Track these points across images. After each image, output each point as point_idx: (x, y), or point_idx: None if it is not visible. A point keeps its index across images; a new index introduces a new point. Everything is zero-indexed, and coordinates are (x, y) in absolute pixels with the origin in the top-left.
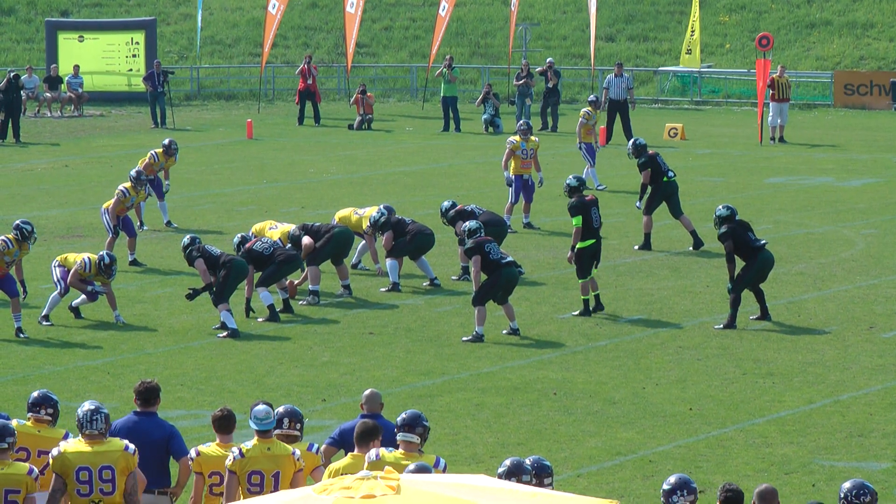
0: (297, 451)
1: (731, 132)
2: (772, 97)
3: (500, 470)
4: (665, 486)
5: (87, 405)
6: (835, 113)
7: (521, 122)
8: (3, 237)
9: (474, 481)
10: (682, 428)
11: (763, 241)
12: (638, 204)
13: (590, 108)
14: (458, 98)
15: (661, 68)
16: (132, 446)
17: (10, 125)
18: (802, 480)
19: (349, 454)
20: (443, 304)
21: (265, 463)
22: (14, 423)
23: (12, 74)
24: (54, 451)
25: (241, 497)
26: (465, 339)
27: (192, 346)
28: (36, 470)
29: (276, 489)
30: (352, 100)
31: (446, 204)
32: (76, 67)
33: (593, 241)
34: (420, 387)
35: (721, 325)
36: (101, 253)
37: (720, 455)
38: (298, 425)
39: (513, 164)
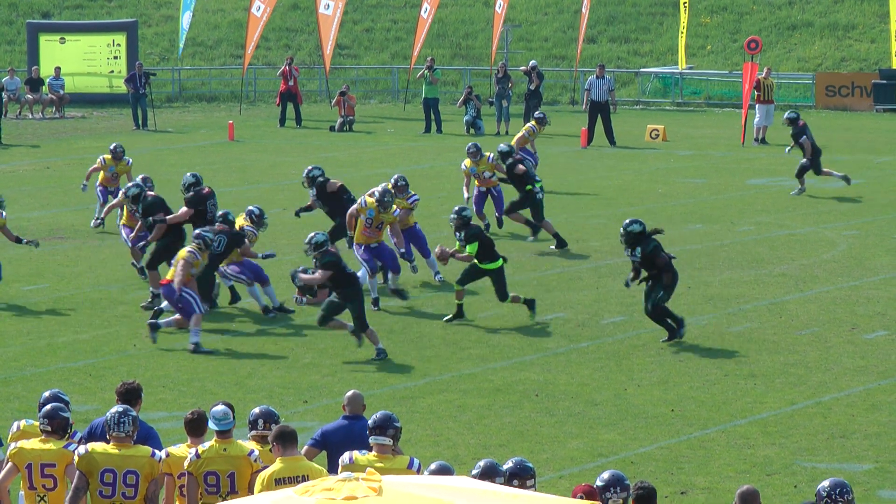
0: (256, 452)
1: (712, 133)
2: (758, 99)
3: (474, 472)
4: (598, 483)
5: (116, 408)
6: (816, 114)
7: (470, 145)
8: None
9: (456, 483)
10: (664, 429)
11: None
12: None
13: (534, 123)
14: (439, 99)
15: (642, 70)
16: (159, 453)
17: None
18: (784, 482)
19: (279, 458)
20: (424, 305)
21: (221, 464)
22: (22, 423)
23: None
24: (81, 450)
25: (201, 499)
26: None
27: (175, 347)
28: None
29: (232, 490)
30: (333, 101)
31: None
32: (57, 69)
33: (499, 263)
34: (402, 388)
35: (665, 339)
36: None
37: (702, 456)
38: (273, 426)
39: (476, 182)
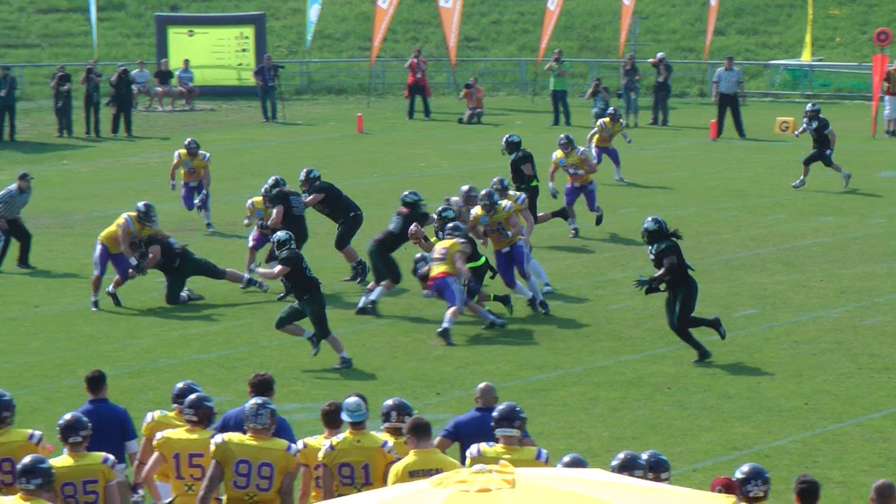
0: (390, 443)
1: (843, 126)
2: (887, 90)
3: (614, 463)
4: (738, 475)
5: (255, 399)
6: None
7: (561, 136)
8: (126, 215)
9: (589, 475)
10: (797, 423)
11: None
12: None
13: (606, 121)
14: (567, 92)
15: (770, 62)
16: (294, 447)
17: (121, 119)
18: None
19: (413, 450)
20: (555, 298)
21: (355, 455)
22: (157, 413)
23: (122, 69)
24: (217, 439)
25: (337, 490)
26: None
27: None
28: (112, 458)
29: (366, 481)
30: (461, 94)
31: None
32: (186, 62)
33: (481, 261)
34: (534, 381)
35: (695, 360)
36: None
37: (836, 450)
38: (406, 418)
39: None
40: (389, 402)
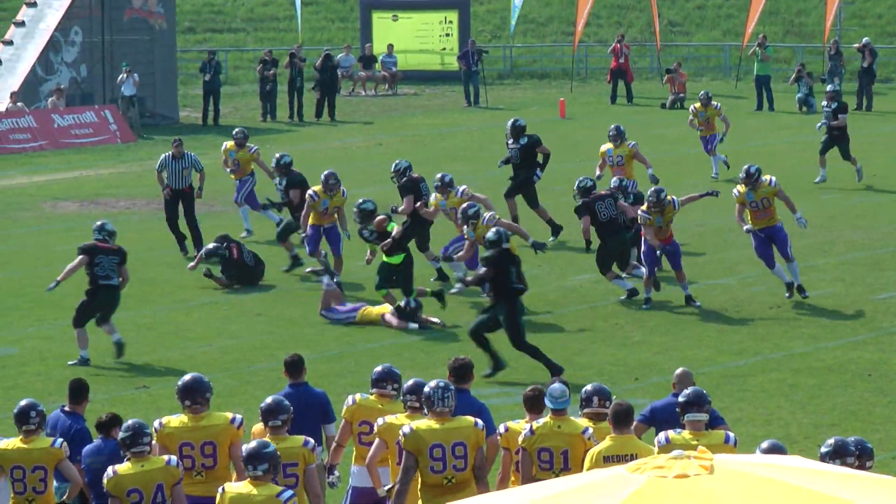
0: (590, 430)
1: None
2: None
3: (824, 450)
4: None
5: (435, 382)
6: None
7: (612, 127)
8: (311, 190)
9: (789, 462)
10: None
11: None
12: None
13: (697, 105)
14: (771, 77)
15: None
16: (480, 422)
17: (325, 104)
18: None
19: (609, 436)
20: (755, 283)
21: (555, 440)
22: (357, 396)
23: (326, 53)
24: (405, 429)
25: (535, 475)
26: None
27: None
28: (312, 441)
29: (565, 467)
30: (664, 79)
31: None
32: (390, 46)
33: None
34: (732, 367)
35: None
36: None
37: None
38: (607, 403)
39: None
40: (589, 387)
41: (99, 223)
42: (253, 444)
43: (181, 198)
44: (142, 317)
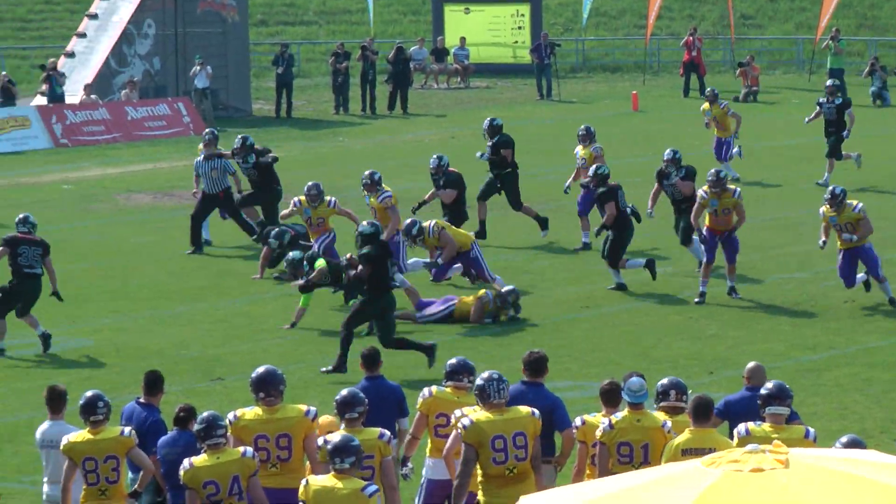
0: (669, 423)
1: None
2: None
3: None
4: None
5: (488, 374)
6: None
7: (581, 128)
8: (296, 198)
9: (864, 456)
10: None
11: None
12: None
13: (705, 106)
14: (844, 70)
15: None
16: (536, 411)
17: (397, 97)
18: None
19: (688, 429)
20: (829, 278)
21: (635, 434)
22: (434, 389)
23: (398, 46)
24: (465, 422)
25: (613, 468)
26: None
27: (579, 317)
28: (388, 434)
29: (645, 460)
30: (737, 72)
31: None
32: (462, 39)
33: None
34: (806, 361)
35: (328, 369)
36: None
37: None
38: (685, 398)
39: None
40: (666, 381)
41: (22, 216)
42: (337, 437)
43: (217, 203)
44: (216, 309)
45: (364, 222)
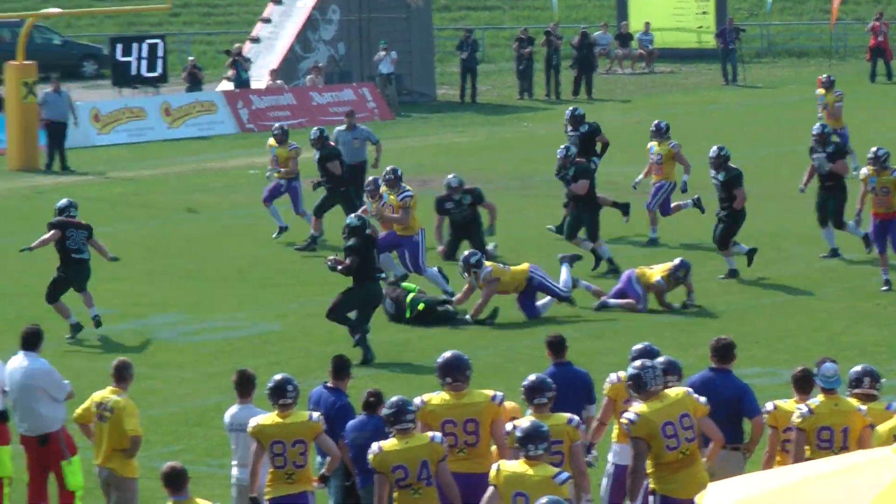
0: (864, 408)
1: None
2: None
3: None
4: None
5: (640, 363)
6: None
7: (653, 123)
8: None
9: None
10: None
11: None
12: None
13: (820, 91)
14: None
15: None
16: (689, 389)
17: (582, 82)
18: None
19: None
20: None
21: (835, 418)
22: (621, 374)
23: (583, 31)
24: (632, 417)
25: (809, 454)
26: None
27: (764, 303)
28: (576, 419)
29: (844, 445)
30: None
31: None
32: (647, 24)
33: None
34: None
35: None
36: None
37: None
38: (878, 385)
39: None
40: (859, 368)
41: (66, 201)
42: (526, 423)
43: (353, 174)
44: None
45: (352, 215)
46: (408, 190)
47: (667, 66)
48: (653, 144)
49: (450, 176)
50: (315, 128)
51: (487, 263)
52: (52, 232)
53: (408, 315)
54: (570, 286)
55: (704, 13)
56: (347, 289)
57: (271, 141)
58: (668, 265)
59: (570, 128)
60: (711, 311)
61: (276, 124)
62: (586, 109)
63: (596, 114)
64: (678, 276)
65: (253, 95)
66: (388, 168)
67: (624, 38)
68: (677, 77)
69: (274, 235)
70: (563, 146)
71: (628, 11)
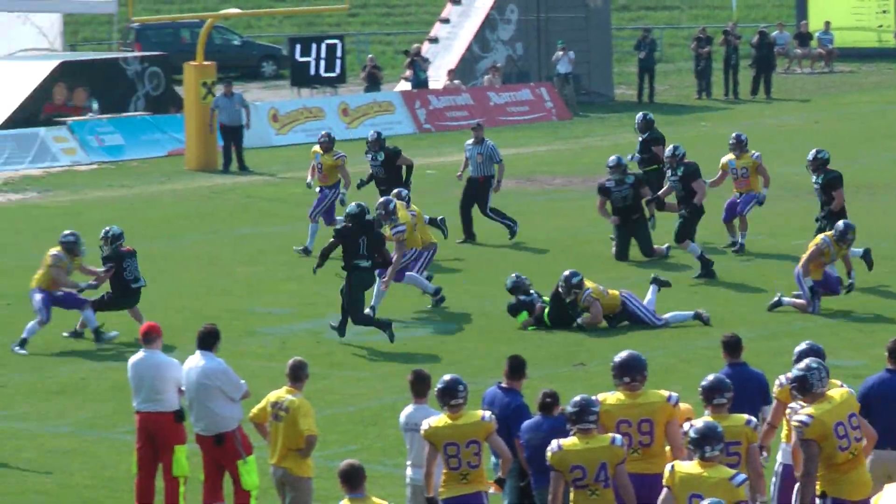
0: None
1: None
2: None
3: None
4: None
5: (805, 363)
6: None
7: (732, 135)
8: None
9: None
10: None
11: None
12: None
13: None
14: None
15: None
16: (847, 385)
17: (761, 81)
18: None
19: None
20: None
21: None
22: (782, 378)
23: (762, 31)
24: (805, 419)
25: None
26: None
27: None
28: (754, 420)
29: None
30: None
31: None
32: (827, 23)
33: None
34: None
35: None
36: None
37: None
38: None
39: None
40: None
41: (111, 230)
42: (701, 423)
43: (477, 187)
44: None
45: (353, 203)
46: (401, 224)
47: (846, 66)
48: (731, 158)
49: (611, 157)
50: (373, 130)
51: (588, 284)
52: (108, 266)
53: (547, 324)
54: (661, 316)
55: (885, 12)
56: (341, 289)
57: (316, 148)
58: (818, 239)
59: (638, 133)
60: (890, 311)
61: (323, 131)
62: (764, 109)
63: (774, 113)
64: (848, 238)
65: (431, 95)
66: (380, 201)
67: (803, 38)
68: (857, 76)
69: (295, 248)
70: (672, 145)
71: (808, 11)
